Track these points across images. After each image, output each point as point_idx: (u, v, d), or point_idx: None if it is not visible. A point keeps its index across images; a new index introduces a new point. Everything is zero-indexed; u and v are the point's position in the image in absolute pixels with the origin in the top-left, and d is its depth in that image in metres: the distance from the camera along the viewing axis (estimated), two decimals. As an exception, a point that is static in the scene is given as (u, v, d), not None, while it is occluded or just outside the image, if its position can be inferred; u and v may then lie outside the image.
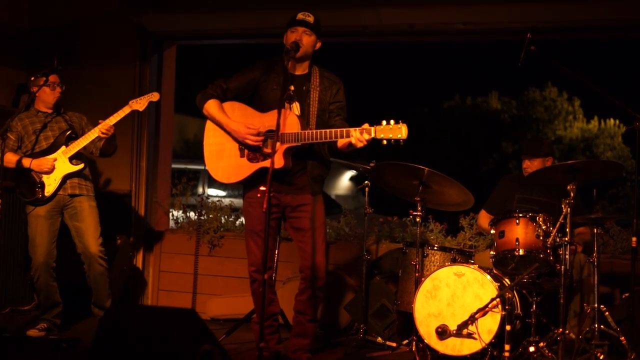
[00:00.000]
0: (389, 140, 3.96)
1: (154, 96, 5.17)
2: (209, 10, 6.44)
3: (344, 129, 4.09)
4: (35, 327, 5.27)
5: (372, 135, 3.99)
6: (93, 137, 5.15)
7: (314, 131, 4.17)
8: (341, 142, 4.16)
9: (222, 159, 4.43)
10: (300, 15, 4.38)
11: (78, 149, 5.18)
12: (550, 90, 23.02)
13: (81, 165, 5.24)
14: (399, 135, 3.94)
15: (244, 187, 4.52)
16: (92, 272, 5.29)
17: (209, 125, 4.49)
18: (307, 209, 4.41)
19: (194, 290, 6.44)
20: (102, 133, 5.07)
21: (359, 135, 4.01)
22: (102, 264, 5.30)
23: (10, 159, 5.16)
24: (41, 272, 5.23)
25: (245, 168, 4.36)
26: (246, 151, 4.38)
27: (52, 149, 5.22)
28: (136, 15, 6.58)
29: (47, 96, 5.28)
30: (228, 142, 4.41)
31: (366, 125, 4.01)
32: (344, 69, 5.07)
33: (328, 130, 4.14)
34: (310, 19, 4.38)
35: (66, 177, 5.21)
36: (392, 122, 3.96)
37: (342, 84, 4.50)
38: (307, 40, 4.35)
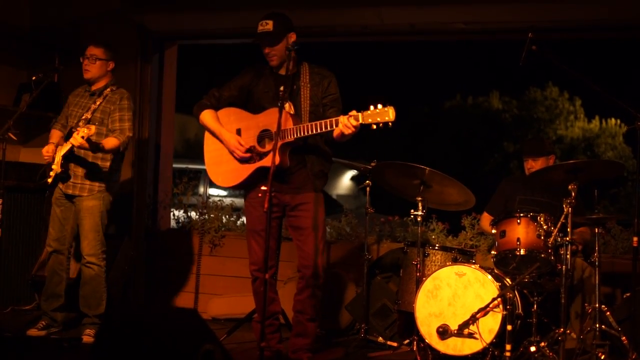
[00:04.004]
0: (377, 124, 3.95)
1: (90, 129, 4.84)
2: (210, 9, 6.44)
3: (333, 119, 4.10)
4: (34, 327, 5.25)
5: (360, 120, 3.99)
6: (69, 146, 4.97)
7: (305, 125, 4.20)
8: (336, 133, 4.16)
9: (222, 164, 4.48)
10: (259, 27, 4.37)
11: (63, 152, 5.04)
12: (551, 90, 23.00)
13: (60, 170, 5.04)
14: (387, 118, 3.93)
15: (244, 188, 4.55)
16: (82, 274, 5.21)
17: (207, 133, 4.57)
18: (306, 208, 4.42)
19: (197, 290, 6.43)
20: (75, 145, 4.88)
21: (346, 122, 4.01)
22: (93, 267, 5.15)
23: (52, 134, 5.29)
24: (50, 257, 5.23)
25: (243, 170, 4.39)
26: None
27: (66, 139, 5.13)
28: (137, 15, 6.58)
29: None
30: (225, 147, 4.48)
31: (354, 112, 4.02)
32: (344, 69, 5.07)
33: (317, 122, 4.16)
34: (269, 26, 4.34)
35: (56, 176, 5.10)
36: (379, 106, 3.95)
37: (334, 76, 4.50)
38: (276, 50, 4.36)
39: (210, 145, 4.55)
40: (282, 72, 4.44)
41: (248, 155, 4.36)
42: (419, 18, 6.01)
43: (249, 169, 4.37)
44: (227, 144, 4.42)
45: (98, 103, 5.18)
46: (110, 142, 5.04)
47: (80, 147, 4.88)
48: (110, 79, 5.30)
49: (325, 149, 4.50)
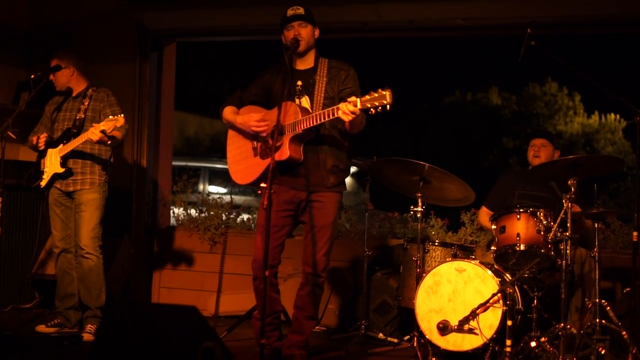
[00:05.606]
0: (375, 108, 3.96)
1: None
2: (209, 7, 6.44)
3: (334, 107, 4.11)
4: (45, 323, 5.29)
5: (358, 106, 3.99)
6: (83, 140, 5.05)
7: (308, 116, 4.20)
8: (347, 124, 4.16)
9: (241, 161, 4.53)
10: (290, 11, 4.43)
11: (68, 150, 5.12)
12: (550, 85, 22.97)
13: (62, 170, 5.13)
14: (384, 101, 3.92)
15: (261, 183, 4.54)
16: (80, 266, 5.22)
17: (229, 133, 4.62)
18: (318, 206, 4.41)
19: (197, 288, 6.44)
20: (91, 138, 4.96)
21: (344, 108, 4.02)
22: (91, 258, 5.15)
23: (30, 139, 5.34)
24: (59, 258, 5.29)
25: (258, 165, 4.41)
26: (259, 149, 4.45)
27: (57, 142, 5.20)
28: (136, 13, 6.58)
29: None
30: (244, 145, 4.51)
31: (352, 98, 4.02)
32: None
33: (319, 112, 4.18)
34: (301, 10, 4.42)
35: (55, 177, 5.18)
36: (379, 90, 3.96)
37: (352, 69, 4.50)
38: (305, 32, 4.40)
39: (232, 144, 4.59)
40: (302, 66, 4.46)
41: (266, 123, 4.34)
42: (417, 14, 6.02)
43: (263, 164, 4.38)
44: (243, 126, 4.44)
45: (87, 103, 5.23)
46: (118, 133, 5.08)
47: (99, 141, 4.95)
48: (89, 82, 5.36)
49: (342, 142, 4.46)
